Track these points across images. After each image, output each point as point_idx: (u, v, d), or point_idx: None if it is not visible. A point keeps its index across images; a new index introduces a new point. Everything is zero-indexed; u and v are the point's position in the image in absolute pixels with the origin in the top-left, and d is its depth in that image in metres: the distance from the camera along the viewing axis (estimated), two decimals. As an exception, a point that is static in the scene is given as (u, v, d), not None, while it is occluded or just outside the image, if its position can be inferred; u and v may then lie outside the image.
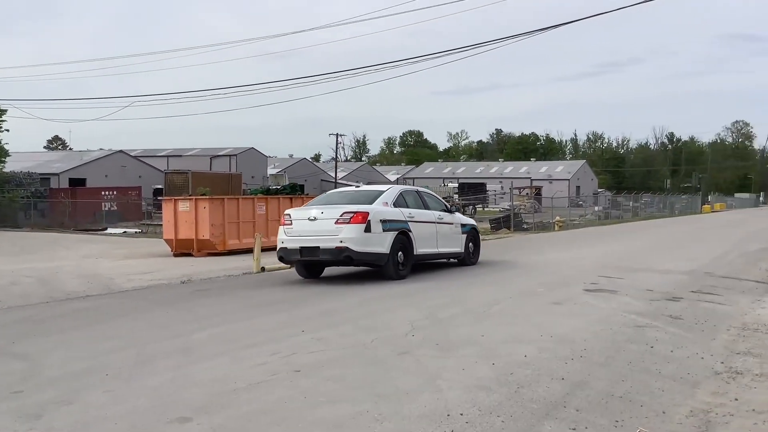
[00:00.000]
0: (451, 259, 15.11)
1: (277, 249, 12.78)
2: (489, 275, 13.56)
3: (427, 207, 14.19)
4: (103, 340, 7.75)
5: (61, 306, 10.58)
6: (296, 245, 12.26)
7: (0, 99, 61.13)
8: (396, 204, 13.10)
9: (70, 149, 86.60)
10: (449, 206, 15.48)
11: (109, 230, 35.73)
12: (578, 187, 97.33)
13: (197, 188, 36.25)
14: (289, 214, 12.82)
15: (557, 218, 36.78)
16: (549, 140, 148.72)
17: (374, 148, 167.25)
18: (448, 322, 8.29)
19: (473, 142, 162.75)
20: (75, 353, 7.03)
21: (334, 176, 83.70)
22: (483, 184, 79.32)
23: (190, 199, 23.57)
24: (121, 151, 64.80)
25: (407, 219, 12.94)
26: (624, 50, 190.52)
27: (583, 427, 4.63)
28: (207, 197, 23.90)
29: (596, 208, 56.84)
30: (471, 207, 53.35)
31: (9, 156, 43.29)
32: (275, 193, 28.97)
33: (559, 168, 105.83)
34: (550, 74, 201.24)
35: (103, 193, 45.86)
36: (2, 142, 41.98)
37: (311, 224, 12.27)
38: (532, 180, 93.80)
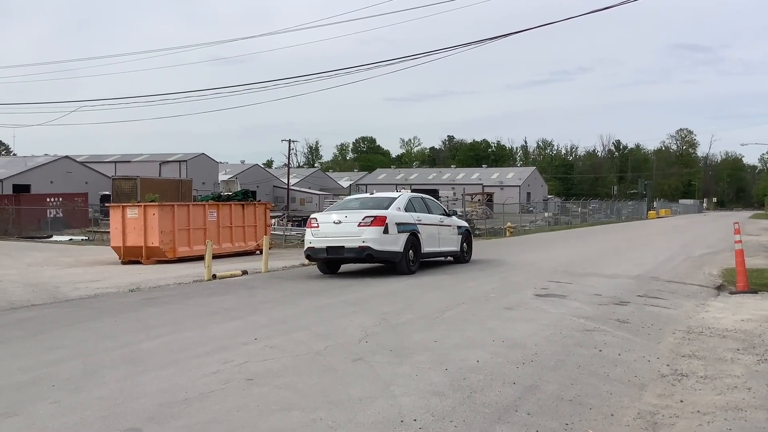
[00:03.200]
0: (448, 258, 17.13)
1: (305, 248, 14.85)
2: (442, 281, 13.64)
3: (430, 211, 16.23)
4: (49, 350, 7.55)
5: (4, 316, 10.28)
6: (323, 245, 14.30)
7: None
8: (406, 209, 15.13)
9: (14, 155, 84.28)
10: (447, 211, 17.52)
11: (55, 237, 34.84)
12: (529, 194, 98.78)
13: (146, 195, 35.67)
14: (315, 218, 15.02)
15: (508, 224, 37.25)
16: (500, 147, 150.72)
17: (327, 154, 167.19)
18: (402, 329, 8.31)
19: (426, 148, 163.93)
20: (19, 364, 6.83)
21: (286, 182, 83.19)
22: (436, 191, 79.63)
23: (138, 205, 23.15)
24: (66, 156, 63.32)
25: (416, 222, 15.01)
26: (573, 59, 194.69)
27: (534, 430, 4.70)
28: (156, 203, 23.51)
29: (546, 214, 57.74)
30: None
31: (-51, 161, 41.91)
32: (227, 199, 28.62)
33: (510, 174, 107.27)
34: (502, 82, 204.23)
35: (48, 199, 44.69)
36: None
37: (336, 227, 14.38)
38: (483, 186, 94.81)
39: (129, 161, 78.70)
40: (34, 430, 4.74)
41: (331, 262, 14.99)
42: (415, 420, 4.85)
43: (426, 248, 15.27)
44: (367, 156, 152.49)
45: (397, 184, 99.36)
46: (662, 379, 6.18)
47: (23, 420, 4.98)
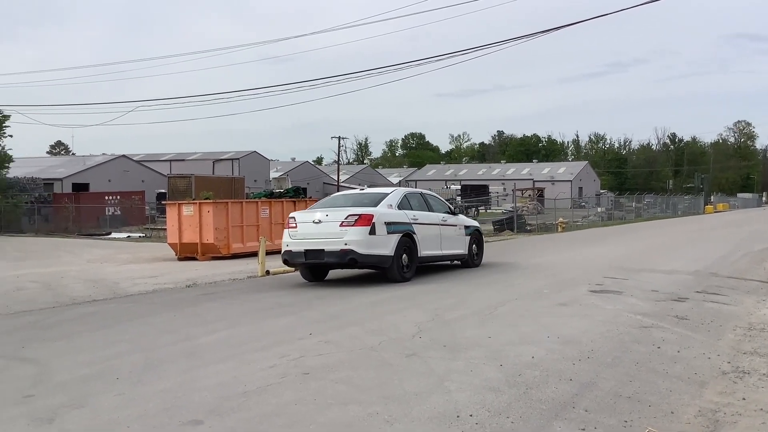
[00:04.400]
0: (455, 261, 15.18)
1: (282, 252, 12.85)
2: (494, 276, 13.58)
3: (431, 209, 14.23)
4: (111, 344, 7.78)
5: (67, 311, 10.62)
6: (301, 248, 12.38)
7: (3, 105, 61.32)
8: (400, 206, 13.14)
9: (73, 154, 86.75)
10: (453, 208, 15.44)
11: (113, 235, 35.80)
12: (581, 189, 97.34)
13: (200, 192, 36.29)
14: (293, 217, 12.90)
15: (560, 220, 36.78)
16: (551, 141, 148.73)
17: (376, 150, 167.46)
18: (455, 324, 8.31)
19: (475, 144, 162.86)
20: (84, 357, 7.06)
21: (336, 179, 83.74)
22: (485, 186, 79.32)
23: (194, 203, 23.63)
24: (123, 155, 64.92)
25: (411, 221, 13.00)
26: (627, 51, 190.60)
27: (592, 427, 4.65)
28: (211, 201, 23.95)
29: (599, 209, 56.81)
30: (474, 209, 53.35)
31: (12, 161, 43.44)
32: (279, 196, 28.97)
33: (562, 169, 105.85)
34: (553, 75, 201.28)
35: (106, 197, 45.95)
36: (5, 148, 42.17)
37: (316, 227, 12.40)
38: (534, 181, 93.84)
39: (183, 160, 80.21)
40: (100, 422, 4.90)
41: (314, 267, 13.13)
42: (471, 415, 4.85)
43: (424, 251, 13.30)
44: (416, 152, 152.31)
45: (446, 180, 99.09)
46: (723, 376, 6.04)
47: (89, 411, 5.16)
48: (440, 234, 14.03)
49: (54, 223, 39.98)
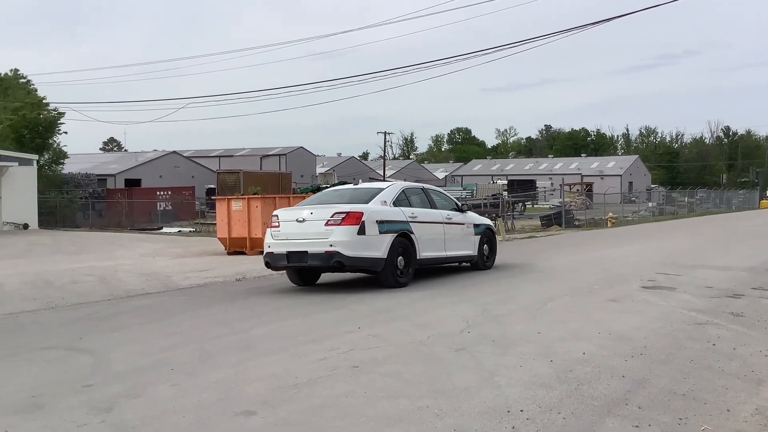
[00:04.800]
0: (463, 263, 13.93)
1: (264, 253, 11.71)
2: (541, 272, 13.45)
3: (434, 206, 12.92)
4: (165, 336, 7.96)
5: (122, 303, 10.88)
6: (283, 249, 11.15)
7: (58, 102, 63.07)
8: (397, 203, 11.87)
9: (125, 150, 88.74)
10: (460, 205, 14.08)
11: (165, 229, 36.52)
12: (631, 183, 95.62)
13: (248, 187, 36.83)
14: (276, 215, 11.73)
15: (610, 215, 36.19)
16: (600, 135, 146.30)
17: (422, 145, 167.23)
18: (503, 319, 8.28)
19: (522, 138, 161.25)
20: (139, 348, 7.24)
21: (382, 174, 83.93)
22: (533, 181, 78.51)
23: (242, 198, 23.97)
24: (174, 151, 66.18)
25: (409, 219, 11.71)
26: (678, 43, 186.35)
27: (646, 424, 4.59)
28: (259, 196, 24.28)
29: (650, 204, 55.73)
30: (521, 204, 52.87)
31: (67, 158, 44.66)
32: (325, 191, 29.17)
33: (611, 163, 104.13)
34: (602, 68, 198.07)
35: (157, 193, 46.92)
36: (61, 145, 43.35)
37: (299, 226, 11.16)
38: (582, 176, 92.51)
39: (232, 155, 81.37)
40: (156, 411, 5.02)
41: (301, 270, 11.81)
42: (521, 410, 4.83)
43: (424, 253, 11.94)
44: (462, 147, 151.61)
45: (493, 175, 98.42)
46: (782, 375, 5.88)
47: (146, 401, 5.29)
48: (444, 233, 12.71)
49: (107, 218, 40.98)
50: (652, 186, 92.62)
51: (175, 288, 12.63)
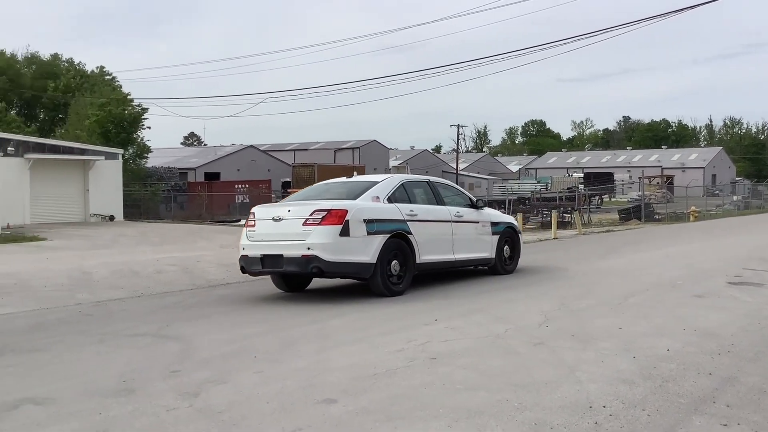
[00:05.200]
0: (480, 267, 12.28)
1: (239, 256, 10.35)
2: (621, 266, 13.15)
3: (440, 201, 11.37)
4: (248, 324, 8.17)
5: (204, 292, 11.22)
6: (257, 252, 9.85)
7: (142, 98, 65.29)
8: (392, 198, 10.39)
9: (205, 145, 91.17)
10: (475, 200, 12.32)
11: (242, 221, 37.38)
12: (714, 176, 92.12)
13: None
14: (253, 213, 10.46)
15: (692, 208, 35.01)
16: (681, 127, 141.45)
17: (495, 138, 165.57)
18: (583, 314, 8.15)
19: (599, 130, 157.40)
20: (223, 336, 7.46)
21: (455, 167, 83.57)
22: (610, 174, 76.69)
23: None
24: (251, 146, 67.57)
25: (406, 218, 10.20)
26: (765, 30, 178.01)
27: (735, 423, 4.45)
28: (334, 189, 24.46)
29: (735, 198, 53.60)
30: (597, 197, 51.72)
31: (151, 152, 46.23)
32: (399, 184, 29.26)
33: (693, 156, 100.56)
34: (684, 57, 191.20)
35: (236, 186, 48.09)
36: (144, 139, 44.90)
37: (275, 226, 9.77)
38: (663, 169, 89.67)
39: (306, 149, 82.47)
40: (241, 397, 5.18)
41: (285, 275, 10.43)
42: (604, 406, 4.76)
43: (426, 256, 10.42)
44: (536, 139, 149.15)
45: (568, 168, 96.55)
46: None
47: (232, 387, 5.46)
48: (452, 233, 11.09)
49: (188, 210, 42.28)
50: (737, 179, 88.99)
51: (253, 279, 12.93)
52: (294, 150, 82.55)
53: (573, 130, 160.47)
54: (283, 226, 9.71)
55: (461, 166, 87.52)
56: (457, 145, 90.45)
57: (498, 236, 12.11)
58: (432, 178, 12.18)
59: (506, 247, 12.36)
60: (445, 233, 10.98)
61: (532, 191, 48.35)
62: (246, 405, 4.96)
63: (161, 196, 43.91)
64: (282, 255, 9.57)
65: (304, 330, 7.67)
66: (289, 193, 30.61)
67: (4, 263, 15.88)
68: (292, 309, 9.16)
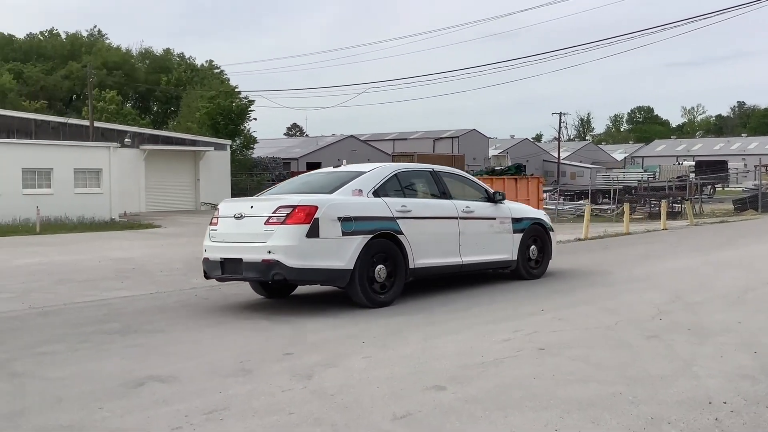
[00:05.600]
0: (500, 269, 10.56)
1: (202, 259, 8.96)
2: (738, 258, 12.54)
3: (445, 194, 9.67)
4: (354, 310, 8.29)
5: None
6: (218, 255, 8.54)
7: (248, 90, 67.37)
8: (380, 192, 8.84)
9: (307, 135, 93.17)
10: (491, 192, 10.42)
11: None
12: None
13: (423, 170, 37.39)
14: (218, 208, 9.05)
15: (815, 198, 32.81)
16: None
17: (599, 126, 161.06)
18: (698, 308, 7.84)
19: (711, 116, 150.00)
20: (332, 321, 7.63)
21: (556, 156, 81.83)
22: (723, 162, 72.89)
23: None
24: (351, 136, 68.55)
25: (396, 214, 8.67)
26: None
27: None
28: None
29: None
30: (710, 187, 49.39)
31: (257, 143, 47.74)
32: (500, 173, 28.96)
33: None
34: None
35: (336, 175, 48.82)
36: (250, 131, 46.38)
37: (237, 225, 8.45)
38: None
39: (406, 139, 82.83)
40: (352, 380, 5.30)
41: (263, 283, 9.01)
42: (724, 402, 4.58)
43: (423, 259, 8.88)
44: (643, 127, 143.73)
45: (677, 156, 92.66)
46: None
47: (342, 371, 5.60)
48: (459, 232, 9.47)
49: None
50: None
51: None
52: (393, 139, 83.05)
53: (683, 117, 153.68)
54: (244, 225, 8.35)
55: (563, 154, 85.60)
56: (559, 133, 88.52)
57: (521, 234, 10.33)
58: (438, 167, 10.32)
59: (533, 247, 10.57)
60: (450, 232, 9.39)
61: (639, 180, 46.72)
62: (357, 388, 5.08)
63: (266, 185, 45.23)
64: (242, 259, 8.22)
65: (410, 318, 7.75)
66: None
67: (123, 249, 16.85)
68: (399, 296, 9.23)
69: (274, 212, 8.10)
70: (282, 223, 7.99)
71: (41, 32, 68.86)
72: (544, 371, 5.41)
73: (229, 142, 38.99)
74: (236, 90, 45.49)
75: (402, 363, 5.76)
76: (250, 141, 46.05)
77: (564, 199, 38.79)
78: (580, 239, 17.68)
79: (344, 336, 6.88)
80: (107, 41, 66.99)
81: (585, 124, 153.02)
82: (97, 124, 36.34)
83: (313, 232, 7.95)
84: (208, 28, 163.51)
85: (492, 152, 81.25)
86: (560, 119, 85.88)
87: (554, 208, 33.42)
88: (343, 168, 10.03)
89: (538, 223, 10.78)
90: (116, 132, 36.03)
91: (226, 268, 8.45)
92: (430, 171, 9.90)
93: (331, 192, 8.64)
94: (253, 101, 44.79)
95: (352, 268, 8.10)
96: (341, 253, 8.09)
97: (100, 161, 28.62)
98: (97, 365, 5.99)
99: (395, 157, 51.20)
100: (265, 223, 8.10)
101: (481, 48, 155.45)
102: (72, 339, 7.04)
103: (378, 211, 8.57)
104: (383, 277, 8.45)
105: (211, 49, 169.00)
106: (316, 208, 8.04)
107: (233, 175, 39.18)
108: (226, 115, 42.85)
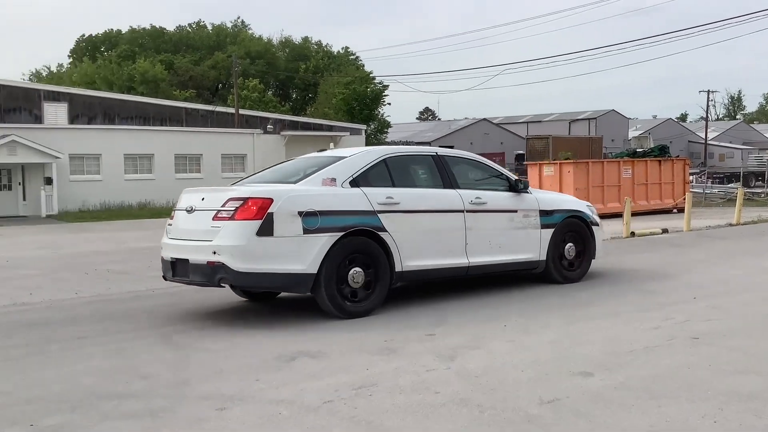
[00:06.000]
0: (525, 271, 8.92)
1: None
2: None
3: (450, 183, 8.11)
4: (494, 294, 8.27)
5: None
6: (169, 255, 7.47)
7: (383, 76, 68.26)
8: (359, 181, 7.45)
9: (439, 119, 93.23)
10: (513, 179, 8.83)
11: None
12: None
13: (558, 153, 36.46)
14: (179, 199, 7.79)
15: None
16: None
17: (751, 104, 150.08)
18: None
19: None
20: (474, 303, 7.65)
21: (703, 137, 77.27)
22: None
23: (554, 163, 23.97)
24: (484, 119, 67.95)
25: (378, 208, 7.31)
26: None
27: None
28: (571, 161, 24.02)
29: None
30: None
31: (390, 127, 48.37)
32: (642, 155, 27.79)
33: None
34: None
35: (469, 159, 48.59)
36: (385, 115, 47.05)
37: (187, 220, 7.37)
38: None
39: (540, 121, 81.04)
40: (497, 363, 5.30)
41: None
42: None
43: (414, 261, 7.52)
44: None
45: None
46: None
47: (485, 353, 5.61)
48: (465, 228, 7.99)
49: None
50: None
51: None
52: (527, 122, 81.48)
53: None
54: (194, 220, 7.25)
55: (710, 135, 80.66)
56: (707, 112, 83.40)
57: (552, 230, 8.75)
58: (444, 150, 8.87)
59: (569, 245, 8.97)
60: (453, 227, 7.93)
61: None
62: (501, 371, 5.08)
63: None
64: (188, 260, 7.13)
65: (553, 301, 7.65)
66: (524, 167, 30.38)
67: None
68: (537, 283, 9.10)
69: (224, 205, 6.92)
70: (230, 218, 6.82)
71: (189, 24, 72.96)
72: (699, 361, 5.18)
73: (364, 126, 39.75)
74: (371, 75, 46.21)
75: (546, 347, 5.70)
76: (384, 125, 46.76)
77: (712, 183, 36.63)
78: (731, 224, 16.70)
79: (485, 319, 6.89)
80: (250, 31, 69.94)
81: (735, 103, 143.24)
82: (241, 111, 38.12)
83: (266, 230, 6.73)
84: (344, 15, 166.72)
85: (632, 133, 77.90)
86: (708, 97, 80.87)
87: (701, 191, 31.68)
88: (326, 153, 8.69)
89: (575, 216, 9.10)
90: (259, 119, 37.66)
91: (177, 270, 7.32)
92: (432, 155, 8.38)
93: (295, 182, 7.41)
94: (387, 86, 45.44)
95: (315, 272, 6.85)
96: (302, 254, 6.83)
97: (245, 147, 30.05)
98: (251, 339, 6.33)
99: (530, 141, 50.31)
100: (213, 218, 6.96)
101: (621, 25, 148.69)
102: (229, 315, 7.49)
103: (353, 203, 7.21)
104: (360, 282, 7.13)
105: (346, 37, 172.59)
106: (271, 200, 6.81)
107: (368, 160, 39.97)
108: (361, 100, 43.72)
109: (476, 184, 8.52)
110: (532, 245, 8.58)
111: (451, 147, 58.38)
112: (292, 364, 5.45)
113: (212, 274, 6.85)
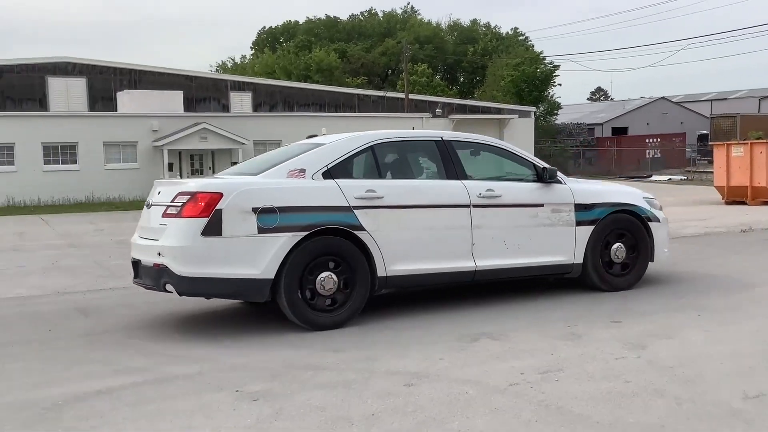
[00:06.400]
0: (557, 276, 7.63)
1: None
2: None
3: (454, 173, 6.90)
4: (686, 281, 7.86)
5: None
6: (132, 253, 6.80)
7: (553, 56, 66.44)
8: (337, 172, 6.45)
9: (612, 99, 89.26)
10: (542, 168, 7.35)
11: (654, 177, 35.96)
12: None
13: (748, 132, 33.75)
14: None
15: None
16: None
17: None
18: None
19: None
20: (665, 291, 7.33)
21: None
22: None
23: (744, 143, 22.20)
24: (662, 97, 64.15)
25: (357, 203, 6.31)
26: None
27: None
28: (764, 141, 22.15)
29: None
30: None
31: (560, 109, 47.05)
32: None
33: None
34: None
35: (646, 140, 46.29)
36: (555, 96, 45.83)
37: (144, 215, 6.75)
38: None
39: (725, 99, 75.17)
40: (691, 354, 5.04)
41: None
42: None
43: (402, 264, 6.48)
44: None
45: None
46: None
47: (678, 343, 5.35)
48: (471, 225, 6.80)
49: (597, 166, 42.14)
50: None
51: (675, 236, 12.39)
52: (711, 100, 75.90)
53: None
54: (148, 217, 6.60)
55: None
56: None
57: (591, 227, 7.31)
58: (450, 134, 7.44)
59: (616, 245, 7.47)
60: (454, 225, 6.76)
61: None
62: (698, 363, 4.83)
63: (570, 152, 44.51)
64: (140, 261, 6.49)
65: (751, 293, 7.15)
66: (708, 147, 28.37)
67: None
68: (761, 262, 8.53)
69: (173, 201, 6.18)
70: (177, 215, 6.06)
71: (361, 13, 74.87)
72: None
73: (533, 108, 38.95)
74: (540, 56, 45.12)
75: (747, 339, 5.36)
76: (553, 107, 45.55)
77: None
78: None
79: (676, 307, 6.57)
80: (419, 17, 70.57)
81: None
82: (410, 96, 38.71)
83: (213, 229, 5.90)
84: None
85: (834, 110, 70.33)
86: None
87: None
88: (314, 140, 7.39)
89: (624, 211, 7.55)
90: (428, 103, 38.07)
91: (139, 271, 6.58)
92: (436, 140, 7.10)
93: (258, 173, 6.51)
94: (558, 66, 44.16)
95: (272, 277, 5.98)
96: (256, 257, 5.95)
97: (414, 131, 30.48)
98: (431, 320, 6.44)
99: (714, 120, 47.01)
100: (162, 215, 6.27)
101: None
102: (408, 298, 7.68)
103: (323, 198, 6.23)
104: (330, 288, 6.17)
105: (516, 17, 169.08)
106: (220, 196, 5.96)
107: (537, 142, 39.13)
108: (531, 81, 42.83)
109: (492, 173, 7.36)
110: (563, 245, 7.24)
111: (626, 128, 55.84)
112: (474, 345, 5.51)
113: (158, 277, 6.14)
